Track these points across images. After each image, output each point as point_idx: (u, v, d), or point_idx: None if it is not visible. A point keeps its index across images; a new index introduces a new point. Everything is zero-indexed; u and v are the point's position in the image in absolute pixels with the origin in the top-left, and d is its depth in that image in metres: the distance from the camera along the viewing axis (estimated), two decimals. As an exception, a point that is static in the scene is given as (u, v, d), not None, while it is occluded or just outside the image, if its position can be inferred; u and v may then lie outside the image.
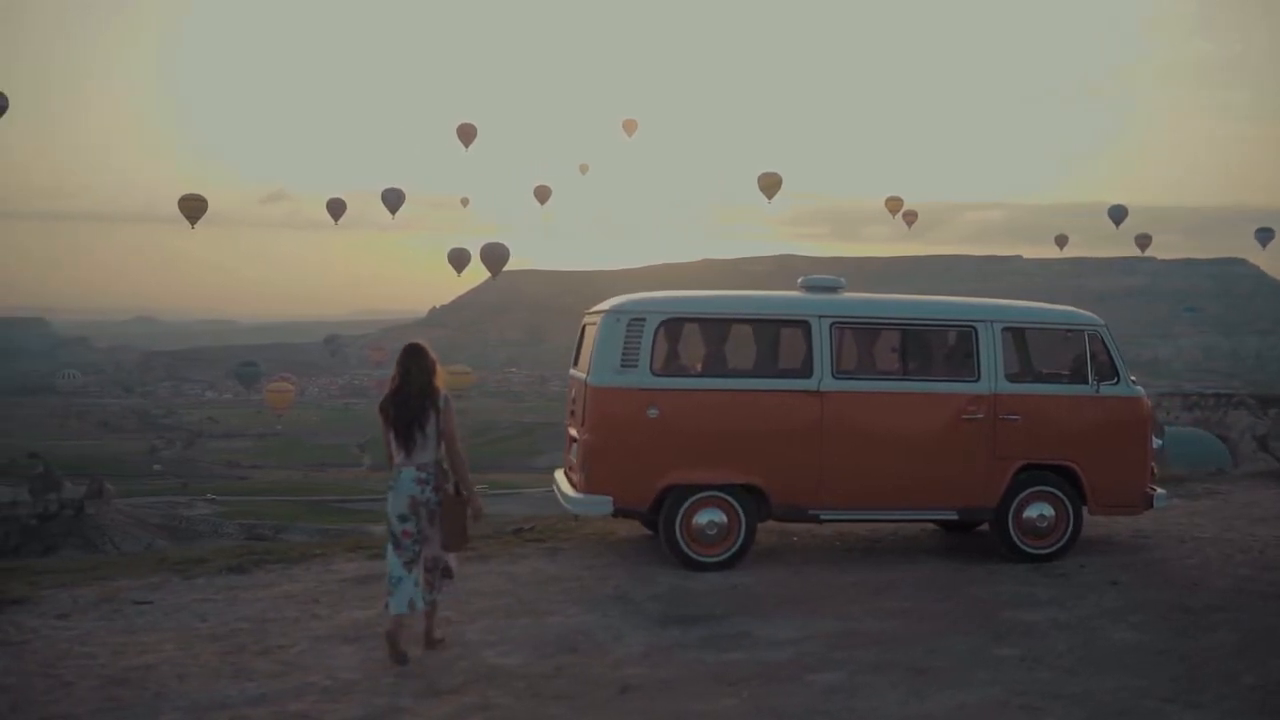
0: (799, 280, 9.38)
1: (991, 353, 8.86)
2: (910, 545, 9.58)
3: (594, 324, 8.91)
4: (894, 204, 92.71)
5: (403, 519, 6.31)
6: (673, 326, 8.77)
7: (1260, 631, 7.05)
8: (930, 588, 8.16)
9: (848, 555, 9.19)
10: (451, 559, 6.57)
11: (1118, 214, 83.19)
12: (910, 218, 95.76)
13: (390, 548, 6.35)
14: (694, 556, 8.49)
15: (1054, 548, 8.91)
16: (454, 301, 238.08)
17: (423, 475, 6.33)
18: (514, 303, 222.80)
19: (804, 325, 8.72)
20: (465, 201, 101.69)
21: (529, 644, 6.66)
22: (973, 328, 8.92)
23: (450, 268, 79.39)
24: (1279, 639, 6.94)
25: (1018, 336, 9.19)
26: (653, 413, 8.45)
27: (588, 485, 8.55)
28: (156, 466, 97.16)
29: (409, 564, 6.29)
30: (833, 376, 8.65)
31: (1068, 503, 8.92)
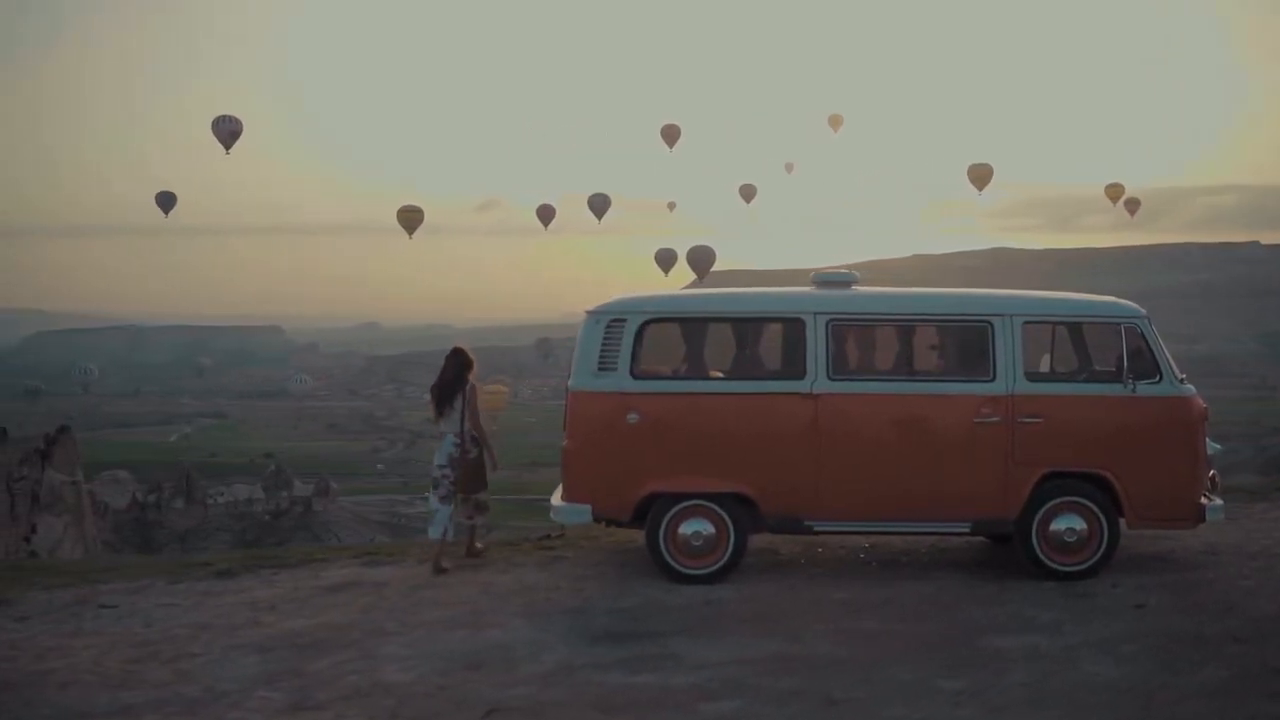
0: (811, 276, 8.83)
1: (1009, 350, 8.05)
2: (937, 558, 8.80)
3: None
4: (1114, 191, 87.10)
5: (442, 467, 8.69)
6: (656, 327, 8.37)
7: (1259, 670, 6.06)
8: (922, 607, 7.46)
9: (863, 568, 8.54)
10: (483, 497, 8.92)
11: (1366, 192, 75.79)
12: (1133, 205, 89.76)
13: (431, 489, 8.80)
14: (679, 569, 8.08)
15: (1086, 564, 8.01)
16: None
17: (457, 440, 8.68)
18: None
19: (798, 323, 8.17)
20: (671, 206, 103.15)
21: (440, 659, 6.44)
22: (988, 323, 8.13)
23: (657, 269, 79.85)
24: (1277, 680, 5.96)
25: (1042, 331, 8.35)
26: (632, 418, 8.09)
27: (566, 493, 8.29)
28: (379, 466, 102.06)
29: (444, 499, 8.64)
30: (828, 378, 8.06)
31: (1101, 515, 8.04)
